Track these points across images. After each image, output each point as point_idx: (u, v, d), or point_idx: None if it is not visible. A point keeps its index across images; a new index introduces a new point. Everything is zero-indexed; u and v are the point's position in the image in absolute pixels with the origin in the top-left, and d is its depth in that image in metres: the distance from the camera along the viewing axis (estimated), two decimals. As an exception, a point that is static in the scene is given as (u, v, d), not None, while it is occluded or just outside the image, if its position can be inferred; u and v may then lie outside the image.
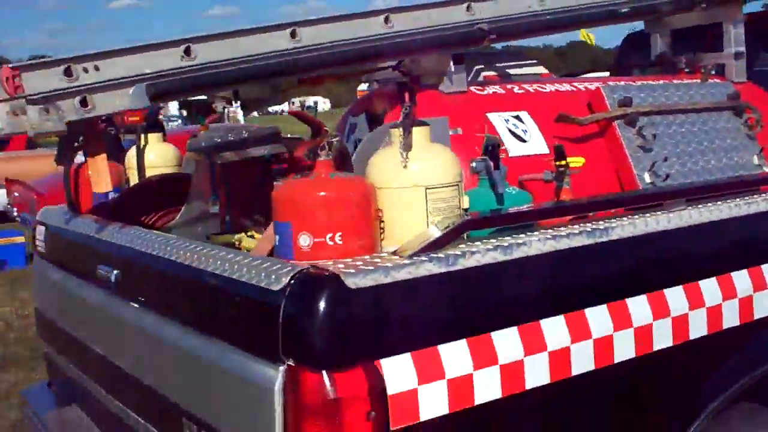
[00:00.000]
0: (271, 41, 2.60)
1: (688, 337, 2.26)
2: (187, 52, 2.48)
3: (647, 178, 3.03)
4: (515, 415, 1.97)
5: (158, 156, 3.50)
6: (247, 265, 1.90)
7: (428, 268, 1.86)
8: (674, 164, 3.10)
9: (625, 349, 2.12)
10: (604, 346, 2.08)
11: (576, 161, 2.55)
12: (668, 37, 4.02)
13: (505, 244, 1.99)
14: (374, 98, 3.13)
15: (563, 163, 2.40)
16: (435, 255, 1.88)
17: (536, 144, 2.93)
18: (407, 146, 2.04)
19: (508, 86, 3.16)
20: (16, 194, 10.43)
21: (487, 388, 1.89)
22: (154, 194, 3.30)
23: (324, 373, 1.72)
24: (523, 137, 2.92)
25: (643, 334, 2.15)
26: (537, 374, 1.96)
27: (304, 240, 1.91)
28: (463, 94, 2.98)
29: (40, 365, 5.61)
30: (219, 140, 3.24)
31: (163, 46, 2.46)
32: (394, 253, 1.92)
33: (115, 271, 2.52)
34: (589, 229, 2.15)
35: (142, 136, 3.47)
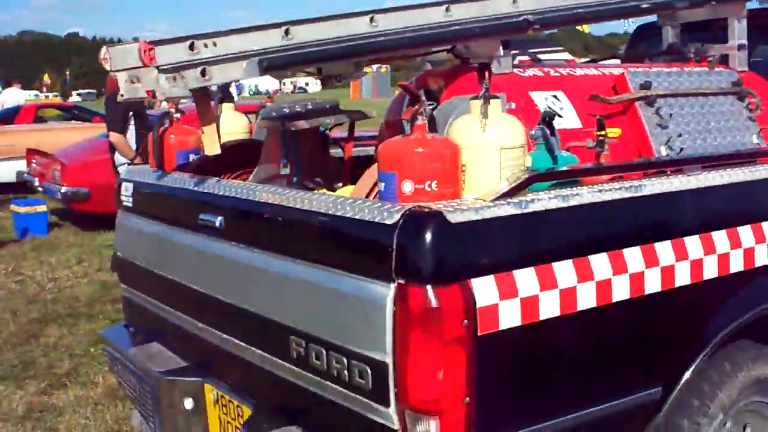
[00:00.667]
0: (354, 26, 3.07)
1: (701, 278, 2.75)
2: (287, 32, 2.93)
3: (663, 151, 3.50)
4: (567, 332, 2.46)
5: (231, 124, 3.95)
6: (361, 206, 2.37)
7: (506, 210, 2.34)
8: (686, 140, 3.58)
9: (653, 284, 2.61)
10: (636, 279, 2.56)
11: (613, 132, 3.04)
12: (678, 29, 4.51)
13: (564, 194, 2.47)
14: (430, 76, 3.59)
15: (603, 133, 2.88)
16: (511, 200, 2.37)
17: (571, 119, 3.40)
18: (486, 114, 2.51)
19: (545, 69, 3.63)
20: (35, 165, 10.82)
21: (548, 307, 2.37)
22: (231, 157, 3.75)
23: (428, 287, 2.20)
24: (560, 113, 3.39)
25: (668, 273, 2.64)
26: (586, 299, 2.45)
27: (407, 186, 2.38)
28: (508, 75, 3.45)
29: (80, 321, 6.08)
30: (289, 111, 3.71)
31: (266, 27, 2.92)
32: (477, 199, 2.39)
33: (219, 218, 2.98)
34: (626, 186, 2.64)
35: (218, 105, 3.92)
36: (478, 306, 2.24)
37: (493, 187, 2.45)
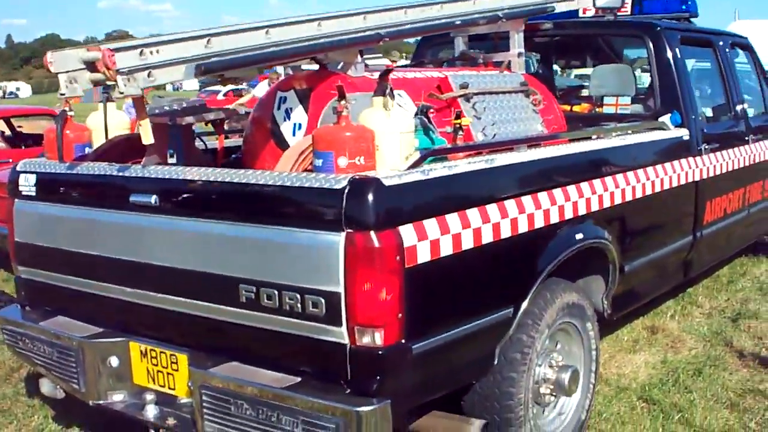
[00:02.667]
0: (255, 37, 3.77)
1: (534, 227, 3.74)
2: (208, 42, 3.59)
3: (480, 136, 4.47)
4: (457, 265, 3.33)
5: (116, 120, 4.47)
6: (312, 178, 3.11)
7: (416, 176, 3.19)
8: (496, 128, 4.58)
9: (506, 230, 3.55)
10: (496, 227, 3.50)
11: (466, 121, 3.98)
12: (467, 39, 5.55)
13: (449, 165, 3.36)
14: (297, 79, 4.32)
15: (459, 121, 3.81)
16: (417, 170, 3.22)
17: (413, 112, 4.29)
18: (386, 107, 3.33)
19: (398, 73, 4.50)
20: None
21: (445, 247, 3.24)
22: (122, 149, 4.29)
23: (371, 233, 2.99)
24: (405, 107, 4.26)
25: (515, 223, 3.60)
26: (468, 241, 3.34)
27: (343, 161, 3.14)
28: (362, 77, 4.27)
29: None
30: (170, 109, 4.33)
31: (193, 39, 3.55)
32: (392, 169, 3.22)
33: (153, 196, 3.57)
34: (484, 159, 3.57)
35: (104, 105, 4.42)
36: (405, 246, 3.06)
37: (395, 161, 3.28)
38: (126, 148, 4.31)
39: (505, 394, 3.73)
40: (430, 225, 3.19)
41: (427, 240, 3.16)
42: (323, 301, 3.07)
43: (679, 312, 6.23)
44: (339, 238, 3.02)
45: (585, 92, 6.32)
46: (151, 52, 3.38)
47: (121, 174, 3.76)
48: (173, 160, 4.30)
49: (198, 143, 4.73)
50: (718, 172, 5.59)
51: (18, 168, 4.29)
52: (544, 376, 3.97)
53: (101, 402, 3.88)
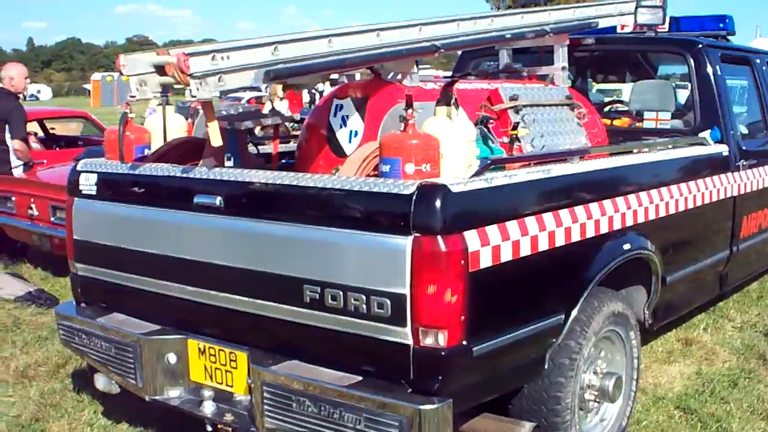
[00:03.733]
0: (318, 46, 3.88)
1: (585, 236, 3.84)
2: (275, 49, 3.70)
3: (528, 148, 4.58)
4: (517, 271, 3.43)
5: (174, 123, 4.60)
6: (381, 183, 3.22)
7: (480, 184, 3.30)
8: (543, 140, 4.68)
9: (561, 239, 3.65)
10: (551, 235, 3.59)
11: (524, 131, 4.09)
12: (511, 52, 5.66)
13: (509, 174, 3.47)
14: (352, 87, 4.44)
15: (515, 132, 3.92)
16: (480, 177, 3.32)
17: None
18: (450, 117, 3.44)
19: (439, 84, 4.61)
20: None
21: (506, 253, 3.34)
22: (180, 151, 4.41)
23: (438, 237, 3.10)
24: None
25: (568, 232, 3.69)
26: (525, 248, 3.44)
27: (410, 168, 3.25)
28: (416, 87, 4.38)
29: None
30: (232, 113, 4.44)
31: (261, 46, 3.67)
32: (456, 176, 3.32)
33: (218, 198, 3.68)
34: (539, 170, 3.68)
35: (163, 108, 4.55)
36: (469, 251, 3.17)
37: (458, 170, 3.39)
38: (184, 151, 4.44)
39: (553, 399, 3.82)
40: (492, 231, 3.29)
41: (489, 246, 3.27)
42: (389, 302, 3.17)
43: (712, 325, 6.30)
44: (406, 242, 3.12)
45: (619, 107, 6.43)
46: (222, 58, 3.49)
47: (185, 176, 3.87)
48: (230, 164, 4.42)
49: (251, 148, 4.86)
50: (754, 188, 5.68)
51: (79, 168, 4.41)
52: (589, 383, 4.07)
53: (158, 397, 3.98)
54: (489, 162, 3.43)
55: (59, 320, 4.47)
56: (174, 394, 3.98)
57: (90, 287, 4.43)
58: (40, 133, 11.44)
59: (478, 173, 3.36)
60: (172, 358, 3.95)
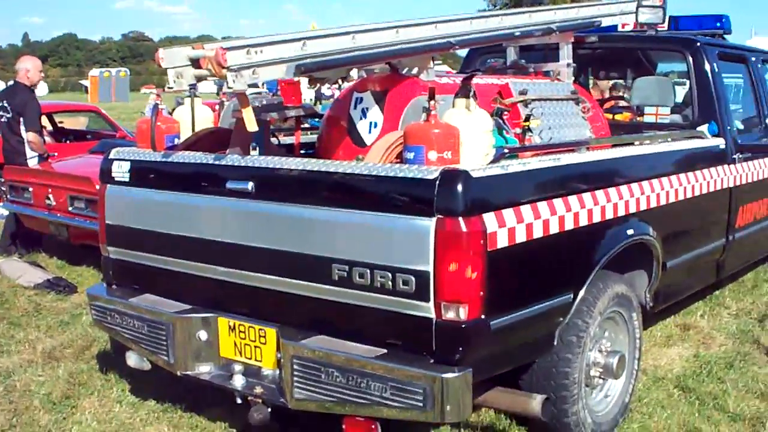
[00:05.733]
0: (342, 42, 4.13)
1: (592, 221, 4.09)
2: (304, 45, 3.95)
3: (537, 139, 4.83)
4: (532, 251, 3.69)
5: (202, 115, 4.85)
6: (406, 169, 3.47)
7: (497, 170, 3.56)
8: (551, 132, 4.93)
9: (570, 222, 3.90)
10: (562, 219, 3.85)
11: (535, 123, 4.35)
12: (518, 49, 5.92)
13: (523, 162, 3.73)
14: (372, 81, 4.69)
15: (527, 123, 4.18)
16: (497, 164, 3.58)
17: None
18: (469, 108, 3.70)
19: (453, 79, 4.87)
20: None
21: (521, 234, 3.60)
22: (208, 141, 4.65)
23: (460, 219, 3.35)
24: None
25: (576, 216, 3.95)
26: (539, 230, 3.70)
27: (433, 155, 3.50)
28: (433, 81, 4.63)
29: None
30: (256, 104, 4.68)
31: (290, 41, 3.92)
32: (475, 163, 3.57)
33: (250, 183, 3.93)
34: (550, 158, 3.93)
35: (192, 99, 4.79)
36: (487, 232, 3.42)
37: (476, 158, 3.65)
38: (211, 140, 4.69)
39: (562, 374, 4.08)
40: (508, 214, 3.55)
41: (506, 227, 3.52)
42: (413, 279, 3.43)
43: (708, 312, 6.57)
44: (430, 223, 3.37)
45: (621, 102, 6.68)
46: (256, 52, 3.74)
47: (219, 162, 4.12)
48: (255, 153, 4.66)
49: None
50: (749, 180, 5.94)
51: (111, 156, 4.65)
52: (594, 360, 4.32)
53: (189, 373, 4.23)
54: (506, 150, 3.69)
55: (91, 301, 4.72)
56: (204, 369, 4.22)
57: (121, 269, 4.68)
58: (49, 127, 11.66)
59: (495, 160, 3.62)
60: (203, 335, 4.20)
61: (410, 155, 3.57)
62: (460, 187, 3.36)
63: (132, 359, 4.55)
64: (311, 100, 14.65)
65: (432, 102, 3.58)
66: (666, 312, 6.05)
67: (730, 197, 5.68)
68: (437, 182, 3.37)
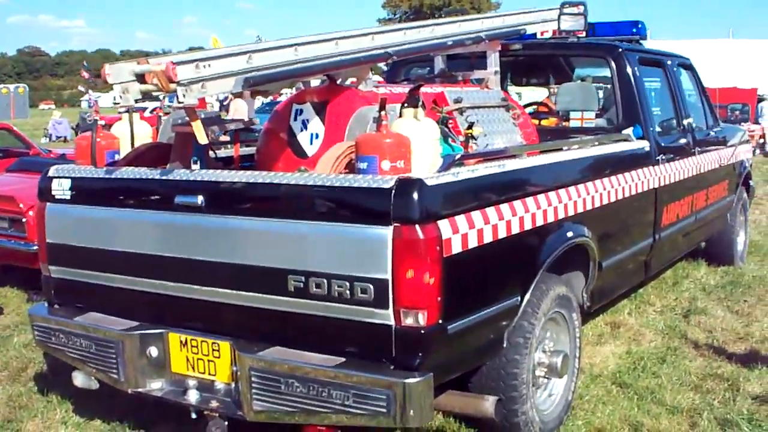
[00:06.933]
0: (284, 54, 4.16)
1: (535, 225, 4.21)
2: (250, 58, 3.97)
3: (474, 146, 4.94)
4: (482, 256, 3.77)
5: (141, 130, 4.81)
6: (362, 179, 3.52)
7: (449, 178, 3.64)
8: (486, 139, 5.05)
9: (516, 227, 4.01)
10: (509, 224, 3.96)
11: (477, 131, 4.45)
12: (446, 58, 6.04)
13: (471, 169, 3.82)
14: (310, 92, 4.72)
15: (471, 131, 4.28)
16: (448, 172, 3.66)
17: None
18: (417, 117, 3.77)
19: (388, 88, 4.94)
20: None
21: (472, 240, 3.68)
22: (149, 156, 4.62)
23: (417, 226, 3.42)
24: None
25: (522, 220, 4.06)
26: (489, 235, 3.79)
27: (386, 164, 3.56)
28: (371, 91, 4.70)
29: None
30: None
31: (236, 54, 3.93)
32: (427, 172, 3.65)
33: (200, 197, 3.92)
34: (495, 165, 4.04)
35: (130, 115, 4.75)
36: (443, 238, 3.50)
37: (426, 166, 3.73)
38: (152, 156, 4.65)
39: (511, 375, 4.18)
40: (461, 220, 3.63)
41: (459, 233, 3.60)
42: (371, 287, 3.48)
43: (635, 310, 6.80)
44: (387, 231, 3.43)
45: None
46: (204, 66, 3.75)
47: (167, 177, 4.10)
48: (197, 167, 4.64)
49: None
50: (672, 181, 6.18)
51: (50, 174, 4.57)
52: (539, 360, 4.44)
53: (140, 390, 4.19)
54: (454, 158, 3.78)
55: (34, 322, 4.62)
56: (156, 386, 4.19)
57: (64, 288, 4.60)
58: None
59: (446, 168, 3.69)
60: (153, 351, 4.16)
61: (363, 165, 3.62)
62: (415, 196, 3.42)
63: (79, 379, 4.47)
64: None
65: (383, 112, 3.64)
66: (595, 311, 6.23)
67: (656, 198, 5.90)
68: (393, 191, 3.43)
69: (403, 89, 5.02)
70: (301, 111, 4.67)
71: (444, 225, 3.53)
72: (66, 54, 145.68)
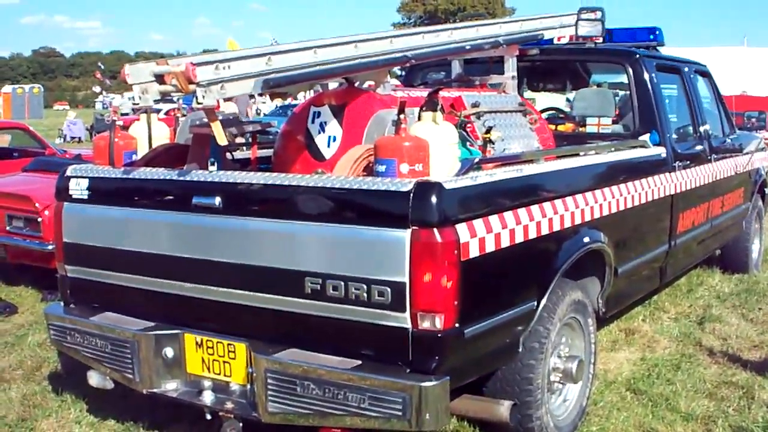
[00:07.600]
0: (303, 57, 4.17)
1: (552, 230, 4.20)
2: (269, 60, 3.97)
3: (492, 150, 4.93)
4: (502, 260, 3.77)
5: (159, 131, 4.83)
6: (380, 182, 3.52)
7: (467, 182, 3.63)
8: (503, 144, 5.04)
9: (534, 231, 4.01)
10: (526, 228, 3.95)
11: (497, 133, 4.44)
12: (463, 62, 6.04)
13: (489, 173, 3.81)
14: (328, 95, 4.73)
15: (488, 135, 4.28)
16: (466, 176, 3.66)
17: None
18: (436, 121, 3.77)
19: (406, 92, 4.94)
20: None
21: (490, 244, 3.68)
22: (166, 157, 4.64)
23: (435, 230, 3.42)
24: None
25: (539, 225, 4.06)
26: (506, 239, 3.79)
27: (404, 167, 3.56)
28: (389, 95, 4.70)
29: None
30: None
31: (255, 56, 3.94)
32: (445, 175, 3.65)
33: (217, 198, 3.93)
34: (513, 169, 4.04)
35: (149, 116, 4.77)
36: (461, 242, 3.50)
37: (444, 170, 3.72)
38: (169, 156, 4.67)
39: (526, 380, 4.17)
40: (479, 224, 3.63)
41: (477, 237, 3.60)
42: (389, 290, 3.47)
43: (649, 317, 6.78)
44: (405, 235, 3.43)
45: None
46: (224, 68, 3.75)
47: (185, 178, 4.10)
48: (214, 168, 4.65)
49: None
50: (688, 187, 6.16)
51: (68, 173, 4.58)
52: (554, 365, 4.43)
53: (155, 390, 4.20)
54: (472, 162, 3.77)
55: (50, 321, 4.64)
56: (171, 386, 4.19)
57: (80, 288, 4.61)
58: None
59: (465, 172, 3.69)
60: (169, 352, 4.17)
61: (382, 168, 3.63)
62: (434, 199, 3.42)
63: (94, 379, 4.48)
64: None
65: (402, 115, 3.64)
66: (609, 318, 6.21)
67: (672, 204, 5.88)
68: (412, 194, 3.43)
69: (421, 93, 5.03)
70: (319, 113, 4.67)
71: (462, 229, 3.52)
72: (81, 55, 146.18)
